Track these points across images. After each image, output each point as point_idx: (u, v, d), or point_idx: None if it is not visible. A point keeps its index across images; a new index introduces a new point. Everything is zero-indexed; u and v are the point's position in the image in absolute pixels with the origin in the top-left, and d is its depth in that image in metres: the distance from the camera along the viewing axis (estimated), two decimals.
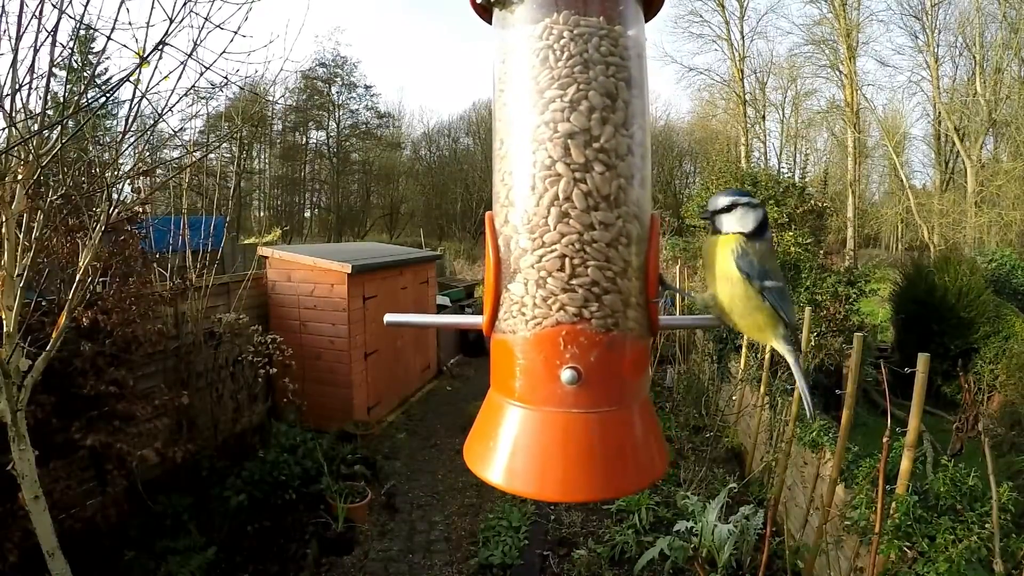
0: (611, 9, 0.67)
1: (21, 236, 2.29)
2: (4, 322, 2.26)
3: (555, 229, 0.65)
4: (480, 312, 0.77)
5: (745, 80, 23.38)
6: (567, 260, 0.65)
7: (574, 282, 0.65)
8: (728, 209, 0.78)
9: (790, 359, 0.81)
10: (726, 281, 0.77)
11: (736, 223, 0.78)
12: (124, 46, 2.10)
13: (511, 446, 0.68)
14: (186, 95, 2.44)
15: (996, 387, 6.85)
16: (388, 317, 0.72)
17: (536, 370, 0.68)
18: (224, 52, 2.36)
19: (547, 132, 0.65)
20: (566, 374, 0.65)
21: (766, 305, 0.76)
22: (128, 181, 2.90)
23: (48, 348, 2.40)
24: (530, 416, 0.68)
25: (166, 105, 2.40)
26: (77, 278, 2.47)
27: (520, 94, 0.68)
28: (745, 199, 0.78)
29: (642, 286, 0.69)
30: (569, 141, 0.65)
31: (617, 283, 0.67)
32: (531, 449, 0.68)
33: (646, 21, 0.73)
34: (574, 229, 0.65)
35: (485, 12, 0.74)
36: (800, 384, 0.83)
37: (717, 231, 0.79)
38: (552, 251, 0.65)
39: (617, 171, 0.66)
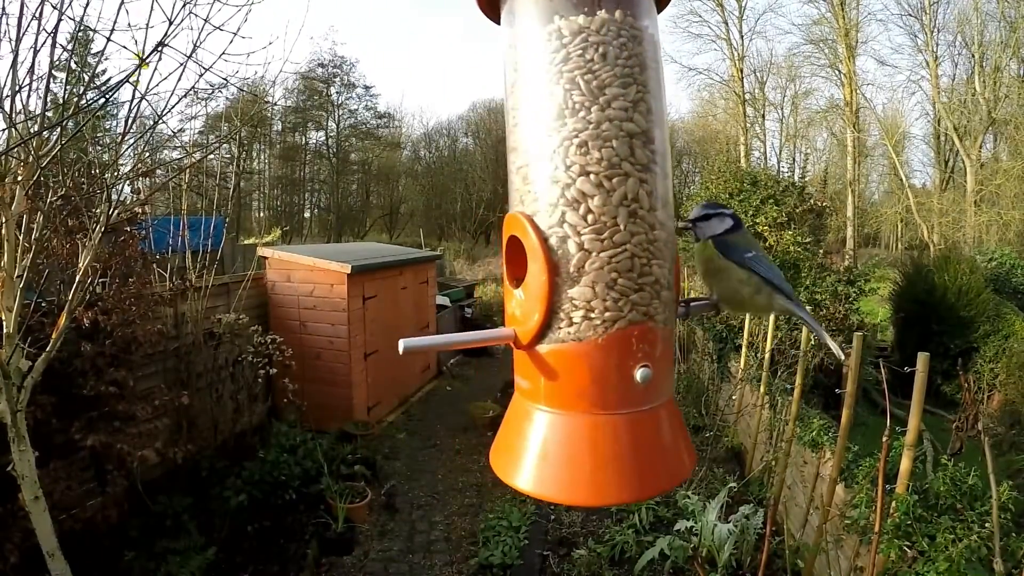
0: (642, 6, 0.68)
1: (21, 237, 2.29)
2: (4, 323, 2.26)
3: (625, 228, 0.64)
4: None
5: (744, 80, 23.41)
6: (636, 260, 0.65)
7: (642, 280, 0.66)
8: (704, 219, 0.86)
9: (800, 313, 0.87)
10: (718, 273, 0.85)
11: (712, 229, 0.85)
12: (123, 47, 2.11)
13: (551, 454, 0.67)
14: (185, 96, 2.44)
15: (996, 386, 6.85)
16: (404, 343, 0.66)
17: (606, 374, 0.66)
18: (223, 53, 2.36)
19: (613, 131, 0.64)
20: (641, 372, 0.65)
21: (755, 278, 0.84)
22: (128, 182, 2.90)
23: (48, 349, 2.40)
24: (575, 423, 0.67)
25: (166, 106, 2.40)
26: (77, 279, 2.47)
27: (572, 89, 0.65)
28: (717, 210, 0.86)
29: (671, 279, 0.71)
30: (633, 141, 0.65)
31: (669, 279, 0.69)
32: (566, 455, 0.67)
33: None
34: (642, 228, 0.65)
35: (493, 11, 0.74)
36: (818, 332, 0.87)
37: (697, 239, 0.87)
38: (624, 251, 0.65)
39: (665, 171, 0.68)
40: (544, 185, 0.66)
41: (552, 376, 0.67)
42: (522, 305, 0.69)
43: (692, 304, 0.82)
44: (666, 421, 0.70)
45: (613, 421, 0.66)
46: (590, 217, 0.64)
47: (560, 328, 0.66)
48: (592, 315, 0.65)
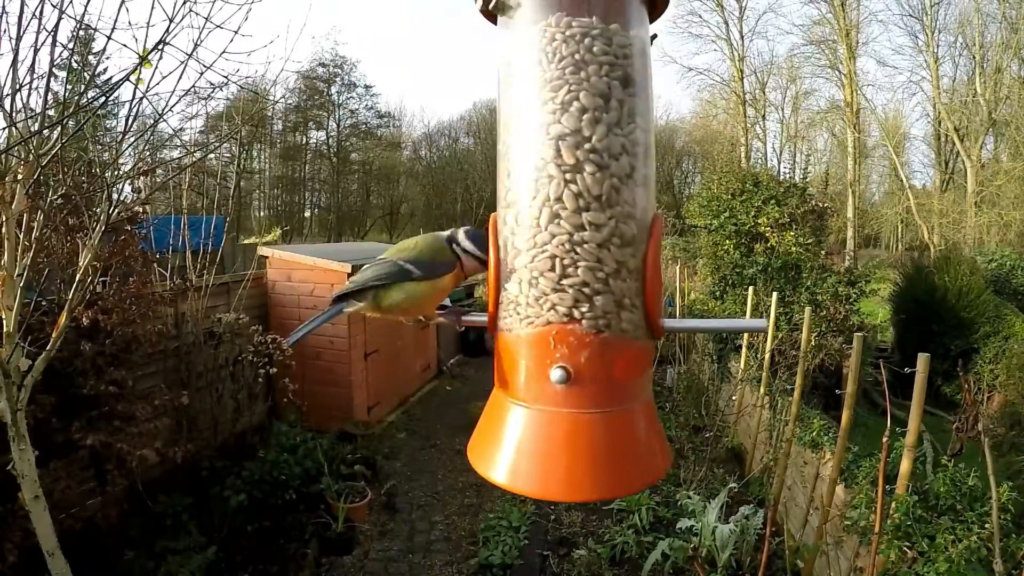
0: (608, 8, 0.66)
1: (21, 236, 2.29)
2: (4, 322, 2.26)
3: (546, 230, 0.66)
4: (482, 312, 0.78)
5: (745, 80, 23.43)
6: (557, 260, 0.66)
7: (564, 282, 0.66)
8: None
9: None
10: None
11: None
12: (124, 46, 2.10)
13: (514, 445, 0.69)
14: (186, 95, 2.44)
15: (996, 387, 6.86)
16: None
17: (530, 368, 0.69)
18: (224, 52, 2.36)
19: (540, 135, 0.66)
20: (555, 373, 0.65)
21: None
22: (128, 181, 2.89)
23: (48, 348, 2.40)
24: (529, 415, 0.68)
25: (166, 105, 2.40)
26: (77, 278, 2.47)
27: (517, 97, 0.69)
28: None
29: (639, 287, 0.68)
30: (560, 143, 0.65)
31: (609, 284, 0.66)
32: (532, 448, 0.68)
33: (651, 21, 0.73)
34: (564, 230, 0.65)
35: (491, 16, 0.74)
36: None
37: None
38: (543, 251, 0.66)
39: (610, 171, 0.65)
40: (503, 187, 0.72)
41: (497, 361, 0.74)
42: (488, 293, 0.75)
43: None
44: (639, 423, 0.70)
45: (581, 419, 0.67)
46: (519, 218, 0.68)
47: (503, 318, 0.72)
48: (519, 310, 0.69)
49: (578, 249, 0.65)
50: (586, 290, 0.65)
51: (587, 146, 0.65)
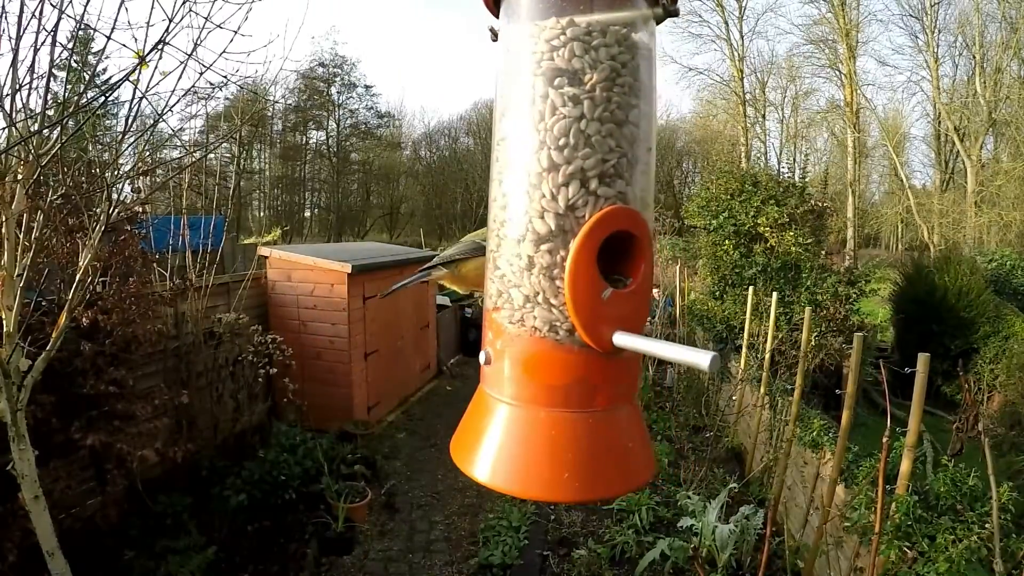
0: (612, 9, 0.66)
1: (21, 236, 2.29)
2: (4, 322, 2.26)
3: (495, 222, 0.71)
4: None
5: (745, 80, 23.41)
6: (491, 253, 0.71)
7: (494, 274, 0.70)
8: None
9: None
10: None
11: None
12: (124, 46, 2.10)
13: (495, 440, 0.69)
14: (186, 95, 2.44)
15: (996, 387, 6.86)
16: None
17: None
18: (224, 52, 2.36)
19: (498, 134, 0.71)
20: (481, 354, 0.72)
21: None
22: (128, 181, 2.89)
23: (48, 348, 2.40)
24: (508, 411, 0.69)
25: (166, 105, 2.40)
26: (77, 278, 2.47)
27: (498, 99, 0.72)
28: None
29: (556, 287, 0.64)
30: (498, 146, 0.71)
31: (522, 279, 0.67)
32: (510, 445, 0.68)
33: (657, 23, 0.71)
34: (495, 225, 0.71)
35: (495, 7, 0.74)
36: None
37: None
38: (493, 242, 0.72)
39: (518, 166, 0.67)
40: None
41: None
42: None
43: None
44: (624, 427, 0.70)
45: (570, 418, 0.66)
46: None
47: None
48: (484, 297, 0.75)
49: (503, 243, 0.69)
50: (506, 282, 0.69)
51: (503, 144, 0.71)
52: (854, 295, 6.89)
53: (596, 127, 0.64)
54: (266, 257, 5.38)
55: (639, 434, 0.72)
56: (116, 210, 2.61)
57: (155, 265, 3.83)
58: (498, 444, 0.68)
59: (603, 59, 0.64)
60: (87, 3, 2.07)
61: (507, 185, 0.68)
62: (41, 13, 2.00)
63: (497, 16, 0.74)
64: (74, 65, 2.71)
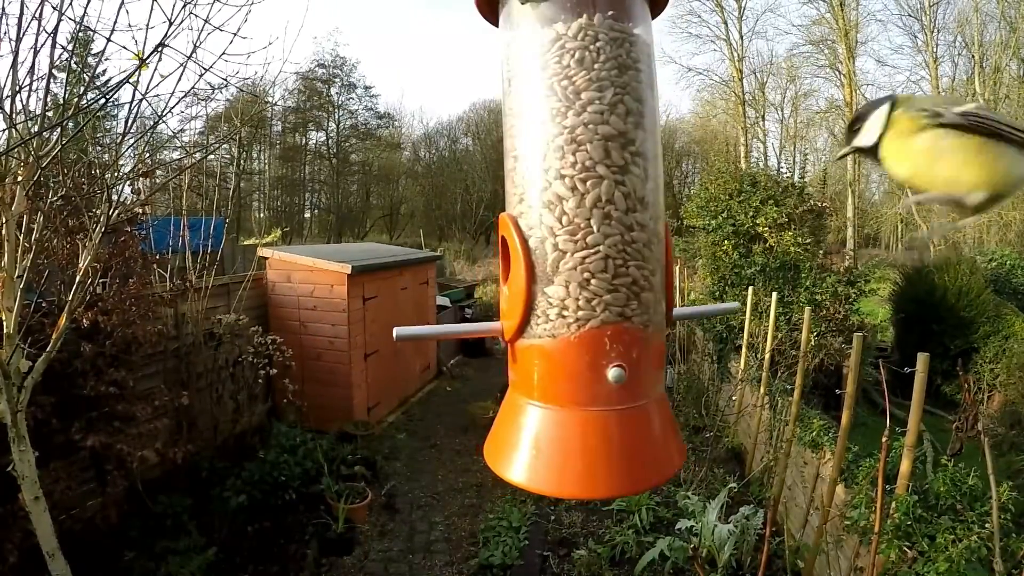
0: (631, 11, 0.68)
1: (21, 237, 2.29)
2: (4, 323, 2.26)
3: (599, 231, 0.65)
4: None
5: (744, 80, 23.43)
6: (610, 261, 0.66)
7: (617, 282, 0.66)
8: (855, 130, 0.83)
9: None
10: (921, 153, 0.77)
11: (874, 128, 0.81)
12: (124, 48, 2.11)
13: (543, 447, 0.68)
14: (185, 97, 2.44)
15: (996, 387, 6.85)
16: (398, 331, 0.71)
17: (579, 371, 0.67)
18: (224, 54, 2.36)
19: (587, 134, 0.65)
20: (613, 372, 0.65)
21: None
22: (128, 182, 2.90)
23: (48, 349, 2.40)
24: (564, 417, 0.68)
25: (166, 107, 2.40)
26: (77, 279, 2.47)
27: (550, 95, 0.67)
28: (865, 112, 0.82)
29: (664, 281, 0.71)
30: (608, 144, 0.65)
31: (651, 281, 0.69)
32: (556, 448, 0.68)
33: (652, 19, 0.74)
34: (617, 230, 0.66)
35: (492, 14, 0.74)
36: None
37: (862, 150, 0.83)
38: (596, 252, 0.66)
39: (649, 174, 0.68)
40: (527, 188, 0.69)
41: (533, 370, 0.70)
42: (507, 301, 0.71)
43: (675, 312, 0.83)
44: (656, 418, 0.71)
45: (602, 416, 0.67)
46: (564, 219, 0.66)
47: (538, 324, 0.69)
48: (566, 313, 0.67)
49: (629, 249, 0.66)
50: (635, 288, 0.67)
51: (631, 148, 0.66)
52: (854, 295, 6.88)
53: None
54: (266, 258, 5.38)
55: (668, 422, 0.73)
56: (116, 211, 2.61)
57: (155, 266, 3.84)
58: (536, 447, 0.68)
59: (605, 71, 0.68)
60: (87, 5, 2.08)
61: (639, 193, 0.68)
62: (41, 15, 2.00)
63: (496, 25, 0.75)
64: (74, 67, 2.72)
